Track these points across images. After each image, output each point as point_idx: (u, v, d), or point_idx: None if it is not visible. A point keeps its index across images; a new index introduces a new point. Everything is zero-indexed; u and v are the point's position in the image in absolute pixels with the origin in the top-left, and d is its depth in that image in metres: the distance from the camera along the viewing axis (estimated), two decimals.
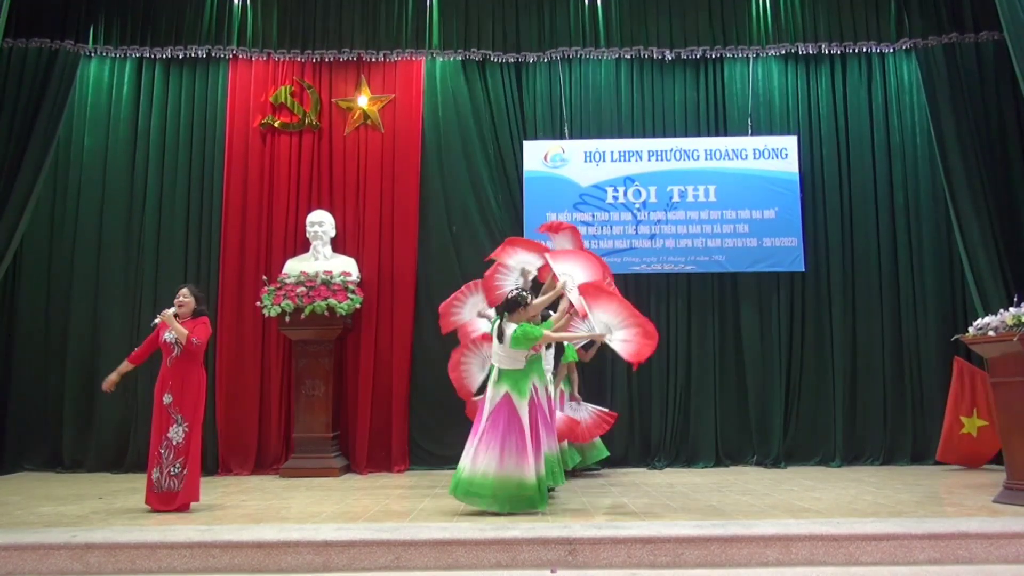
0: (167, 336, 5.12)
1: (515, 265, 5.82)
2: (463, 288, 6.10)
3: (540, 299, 5.27)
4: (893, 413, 7.23)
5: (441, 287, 7.33)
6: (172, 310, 5.16)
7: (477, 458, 4.84)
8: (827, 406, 7.28)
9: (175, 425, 5.03)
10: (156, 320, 5.18)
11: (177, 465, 5.00)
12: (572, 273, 5.20)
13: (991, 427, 6.26)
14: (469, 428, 5.82)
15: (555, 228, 6.05)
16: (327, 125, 7.59)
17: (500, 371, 5.03)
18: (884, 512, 4.68)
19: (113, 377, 5.26)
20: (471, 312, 6.03)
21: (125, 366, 5.28)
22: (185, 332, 5.08)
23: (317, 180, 7.52)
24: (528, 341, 4.91)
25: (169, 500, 4.97)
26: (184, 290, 5.29)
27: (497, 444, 4.81)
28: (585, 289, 5.07)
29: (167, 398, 5.06)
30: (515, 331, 4.91)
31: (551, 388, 5.54)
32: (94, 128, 7.49)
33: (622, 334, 4.89)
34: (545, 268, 5.57)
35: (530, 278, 5.85)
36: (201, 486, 5.25)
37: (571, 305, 5.23)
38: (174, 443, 5.01)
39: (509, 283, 5.73)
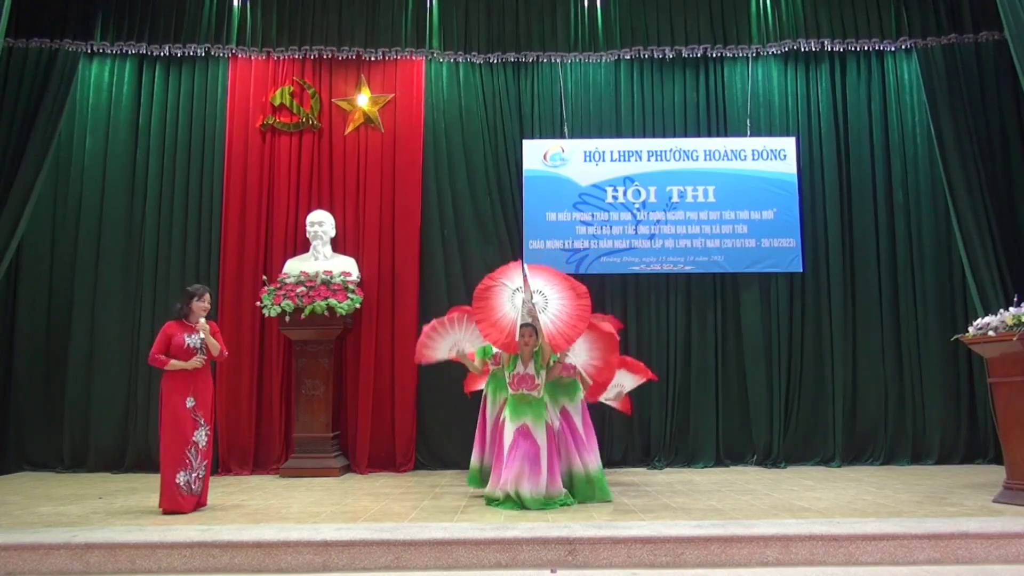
0: (192, 341, 5.09)
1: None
2: (448, 317, 5.66)
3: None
4: (893, 413, 7.23)
5: (443, 286, 7.37)
6: (203, 321, 5.11)
7: (504, 480, 5.05)
8: (827, 406, 7.27)
9: (199, 428, 5.06)
10: (202, 329, 5.08)
11: (203, 467, 5.07)
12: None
13: None
14: (473, 430, 5.90)
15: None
16: (327, 125, 7.58)
17: (517, 396, 5.19)
18: (884, 512, 4.69)
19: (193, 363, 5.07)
20: (445, 350, 5.63)
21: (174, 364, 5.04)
22: (218, 345, 5.15)
23: (317, 180, 7.52)
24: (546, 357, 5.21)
25: (194, 501, 5.01)
26: (207, 295, 5.21)
27: (515, 463, 5.01)
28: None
29: (190, 401, 5.04)
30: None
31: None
32: (94, 128, 7.49)
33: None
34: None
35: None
36: None
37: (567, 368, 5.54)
38: (200, 446, 5.05)
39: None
